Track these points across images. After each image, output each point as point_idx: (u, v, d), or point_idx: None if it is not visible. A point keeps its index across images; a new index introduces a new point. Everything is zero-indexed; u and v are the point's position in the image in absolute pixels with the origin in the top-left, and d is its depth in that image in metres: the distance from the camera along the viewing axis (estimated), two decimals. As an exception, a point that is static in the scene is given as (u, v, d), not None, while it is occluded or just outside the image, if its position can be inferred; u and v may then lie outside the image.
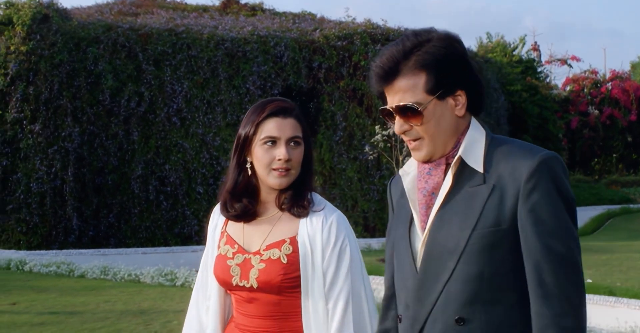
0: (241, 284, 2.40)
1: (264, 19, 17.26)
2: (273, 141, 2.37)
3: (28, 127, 14.33)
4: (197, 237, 14.66)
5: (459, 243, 1.86)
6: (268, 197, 2.45)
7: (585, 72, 25.53)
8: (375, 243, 14.05)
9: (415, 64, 1.88)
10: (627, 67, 30.74)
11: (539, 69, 22.28)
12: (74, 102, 14.56)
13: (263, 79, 15.55)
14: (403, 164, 11.25)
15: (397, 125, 1.93)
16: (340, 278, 2.37)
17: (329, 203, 2.47)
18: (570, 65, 24.04)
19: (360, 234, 14.97)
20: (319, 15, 18.65)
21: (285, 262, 2.37)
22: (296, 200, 2.41)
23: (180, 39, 15.21)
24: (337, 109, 15.95)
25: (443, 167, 1.94)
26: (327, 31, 16.30)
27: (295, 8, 16.85)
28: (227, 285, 2.45)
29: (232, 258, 2.43)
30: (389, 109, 1.94)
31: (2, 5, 15.07)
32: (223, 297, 2.52)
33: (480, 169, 1.89)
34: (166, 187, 14.87)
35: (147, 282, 10.28)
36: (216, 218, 2.56)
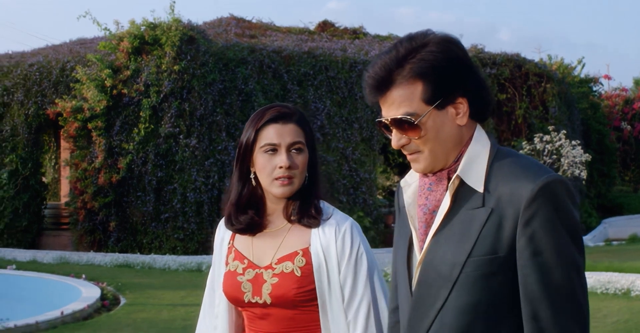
0: (253, 300, 2.30)
1: (372, 42, 18.76)
2: (273, 148, 2.28)
3: (183, 141, 15.44)
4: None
5: (453, 271, 1.72)
6: (275, 207, 2.35)
7: (616, 89, 27.74)
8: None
9: (410, 73, 1.73)
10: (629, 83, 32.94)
11: (594, 88, 24.32)
12: (227, 118, 15.81)
13: (393, 98, 17.05)
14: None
15: (395, 139, 1.78)
16: (359, 289, 2.27)
17: (339, 211, 2.38)
18: (601, 84, 26.04)
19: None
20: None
21: (299, 274, 2.27)
22: (305, 210, 2.31)
23: (318, 61, 16.62)
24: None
25: (445, 182, 1.80)
26: (442, 55, 17.90)
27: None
28: (238, 302, 2.35)
29: (243, 274, 2.33)
30: (384, 122, 1.79)
31: (143, 26, 16.25)
32: (231, 314, 2.43)
33: (480, 189, 1.74)
34: (313, 197, 16.15)
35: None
36: (222, 232, 2.45)
